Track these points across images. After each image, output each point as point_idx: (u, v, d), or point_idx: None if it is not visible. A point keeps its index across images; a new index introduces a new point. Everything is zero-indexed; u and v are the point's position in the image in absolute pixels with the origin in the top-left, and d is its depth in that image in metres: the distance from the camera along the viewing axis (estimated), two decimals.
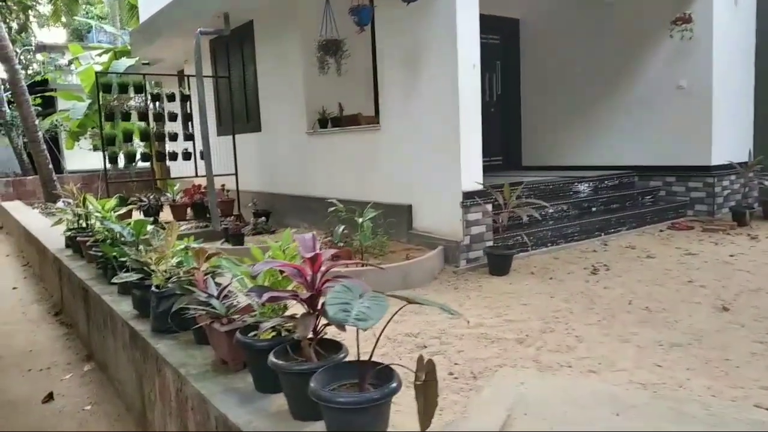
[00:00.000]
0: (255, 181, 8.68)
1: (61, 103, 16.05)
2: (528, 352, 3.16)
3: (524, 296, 4.24)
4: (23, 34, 17.18)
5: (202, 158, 7.55)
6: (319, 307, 1.97)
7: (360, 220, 4.57)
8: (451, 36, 5.02)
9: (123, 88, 7.96)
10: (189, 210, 7.82)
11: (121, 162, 7.75)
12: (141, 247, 3.76)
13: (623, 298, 4.07)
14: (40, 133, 11.80)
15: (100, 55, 14.61)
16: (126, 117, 7.54)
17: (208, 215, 7.72)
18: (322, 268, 2.00)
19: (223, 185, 8.21)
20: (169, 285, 2.77)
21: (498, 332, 3.48)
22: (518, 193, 5.08)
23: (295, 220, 7.65)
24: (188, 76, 8.51)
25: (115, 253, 3.79)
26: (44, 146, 11.90)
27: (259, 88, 8.41)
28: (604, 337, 3.36)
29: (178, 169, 8.20)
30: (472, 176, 5.12)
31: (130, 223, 4.04)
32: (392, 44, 5.87)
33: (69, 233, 5.32)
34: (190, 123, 7.81)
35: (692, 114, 7.07)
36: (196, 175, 7.95)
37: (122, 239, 3.94)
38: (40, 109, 15.64)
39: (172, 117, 7.89)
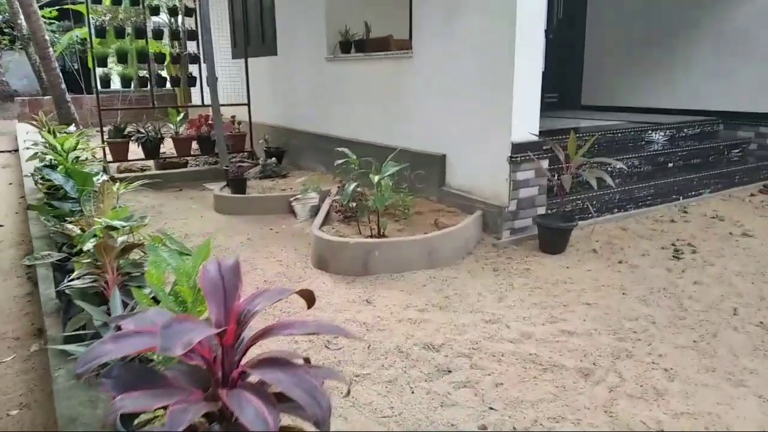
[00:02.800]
0: (270, 113, 7.64)
1: None
2: (597, 395, 2.19)
3: (587, 290, 3.21)
4: None
5: (208, 84, 6.54)
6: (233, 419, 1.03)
7: (376, 177, 3.53)
8: None
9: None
10: (195, 144, 6.90)
11: (116, 84, 6.80)
12: (87, 208, 2.90)
13: (724, 303, 3.01)
14: (51, 50, 10.90)
15: None
16: (121, 34, 6.49)
17: (216, 150, 6.82)
18: (244, 341, 1.04)
19: (233, 117, 7.23)
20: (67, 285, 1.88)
21: (552, 353, 2.51)
22: (588, 146, 3.90)
23: (312, 162, 6.66)
24: None
25: (54, 215, 2.92)
26: (56, 64, 11.05)
27: (275, 2, 7.20)
28: (705, 373, 2.35)
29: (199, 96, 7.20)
30: (526, 124, 3.96)
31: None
32: None
33: (36, 175, 4.50)
34: (196, 43, 6.74)
35: None
36: (203, 104, 6.97)
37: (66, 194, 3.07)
38: (58, 22, 14.68)
39: (175, 35, 6.81)
